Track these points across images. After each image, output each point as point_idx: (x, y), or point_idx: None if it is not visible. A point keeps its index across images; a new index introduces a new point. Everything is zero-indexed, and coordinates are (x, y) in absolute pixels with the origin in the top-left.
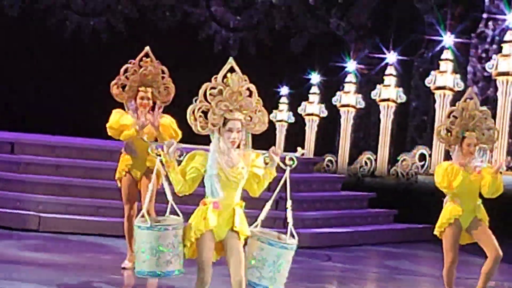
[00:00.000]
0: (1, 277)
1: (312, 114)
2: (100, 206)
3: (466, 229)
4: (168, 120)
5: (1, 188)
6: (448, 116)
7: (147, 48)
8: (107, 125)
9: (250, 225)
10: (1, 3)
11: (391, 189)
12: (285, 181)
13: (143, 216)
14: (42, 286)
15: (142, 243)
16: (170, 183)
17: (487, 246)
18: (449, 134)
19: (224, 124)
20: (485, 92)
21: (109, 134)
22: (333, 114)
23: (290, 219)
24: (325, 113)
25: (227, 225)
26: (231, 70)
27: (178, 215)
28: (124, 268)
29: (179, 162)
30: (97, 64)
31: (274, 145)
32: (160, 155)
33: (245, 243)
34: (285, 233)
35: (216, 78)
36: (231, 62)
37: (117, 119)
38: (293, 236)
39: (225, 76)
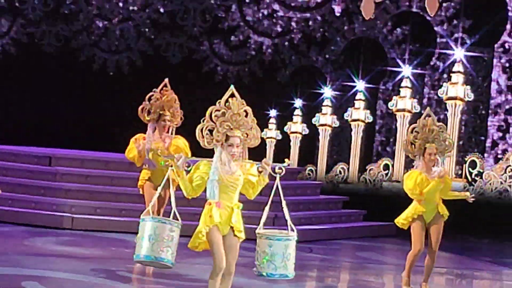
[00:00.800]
0: (41, 268)
1: (296, 132)
2: (123, 209)
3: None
4: (181, 143)
5: (40, 194)
6: (411, 132)
7: (166, 80)
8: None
9: (248, 224)
10: (41, 43)
11: (361, 193)
12: (277, 186)
13: (148, 212)
14: (74, 274)
15: (143, 232)
16: (176, 190)
17: (432, 240)
18: (413, 146)
19: (226, 140)
20: (437, 114)
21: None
22: (313, 132)
23: (287, 216)
24: (306, 131)
25: (228, 223)
26: (232, 95)
27: (177, 219)
28: None
29: (187, 172)
30: (119, 92)
31: (265, 157)
32: (172, 166)
33: (244, 240)
34: (277, 229)
35: (219, 102)
36: (232, 89)
37: (127, 152)
38: (292, 230)
39: (226, 101)
